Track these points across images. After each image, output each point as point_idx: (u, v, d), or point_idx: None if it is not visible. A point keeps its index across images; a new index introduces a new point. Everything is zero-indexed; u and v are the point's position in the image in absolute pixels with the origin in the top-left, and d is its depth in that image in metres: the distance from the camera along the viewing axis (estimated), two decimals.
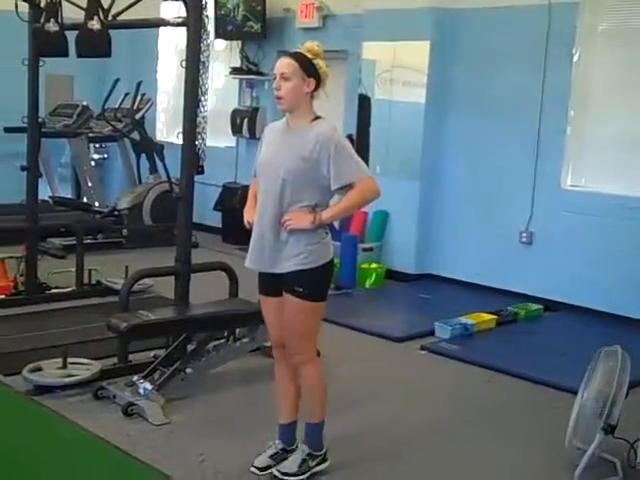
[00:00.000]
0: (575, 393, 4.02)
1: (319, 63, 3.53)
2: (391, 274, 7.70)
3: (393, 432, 4.30)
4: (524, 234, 7.21)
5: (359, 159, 3.55)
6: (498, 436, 4.37)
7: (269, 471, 3.72)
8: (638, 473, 3.69)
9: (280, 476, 3.65)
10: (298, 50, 3.56)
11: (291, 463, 3.68)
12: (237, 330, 5.02)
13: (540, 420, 4.59)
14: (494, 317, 6.41)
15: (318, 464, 3.71)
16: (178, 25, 5.12)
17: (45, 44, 5.65)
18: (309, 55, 3.52)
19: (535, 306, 6.84)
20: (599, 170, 6.91)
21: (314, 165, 3.46)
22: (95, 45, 5.34)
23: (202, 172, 5.86)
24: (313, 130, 3.51)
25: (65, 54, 5.65)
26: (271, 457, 3.77)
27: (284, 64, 3.51)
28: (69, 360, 4.62)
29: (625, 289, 6.35)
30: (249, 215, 3.74)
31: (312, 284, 3.53)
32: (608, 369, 3.81)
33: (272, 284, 3.62)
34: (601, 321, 6.47)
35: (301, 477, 3.65)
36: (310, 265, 3.50)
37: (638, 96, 6.65)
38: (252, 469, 3.72)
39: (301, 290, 3.51)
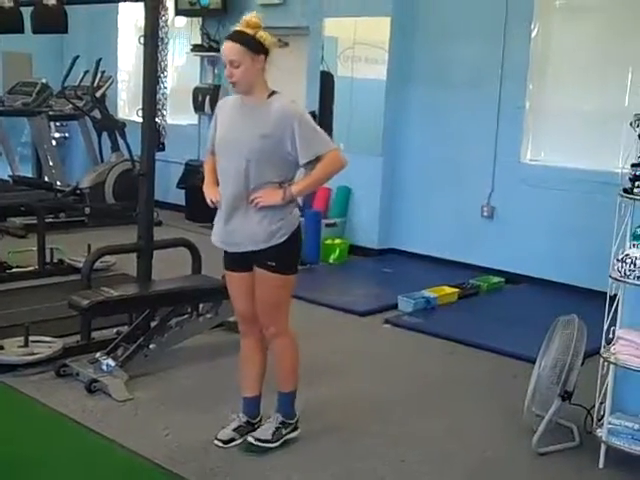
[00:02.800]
0: (535, 362, 4.10)
1: (262, 35, 3.44)
2: (354, 249, 7.74)
3: (358, 405, 4.35)
4: (485, 208, 7.29)
5: (322, 131, 3.53)
6: (459, 405, 4.44)
7: (233, 444, 3.76)
8: (594, 438, 3.77)
9: (255, 442, 3.70)
10: (238, 29, 3.44)
11: (265, 430, 3.74)
12: (200, 306, 5.03)
13: (500, 389, 4.67)
14: (456, 290, 6.49)
15: (290, 432, 3.79)
16: (136, 0, 5.07)
17: None
18: (249, 31, 3.42)
19: (496, 279, 6.93)
20: (558, 144, 7.00)
21: (277, 142, 3.44)
22: (51, 21, 5.29)
23: (163, 149, 5.85)
24: (272, 106, 3.47)
25: (20, 30, 5.58)
26: (235, 430, 3.80)
27: (230, 51, 3.42)
28: (31, 338, 4.60)
29: (583, 261, 6.45)
30: (212, 193, 3.65)
31: (284, 257, 3.55)
32: (565, 337, 3.88)
33: (240, 260, 3.61)
34: (561, 293, 6.58)
35: (274, 444, 3.72)
36: (281, 239, 3.51)
37: (596, 71, 6.75)
38: (216, 442, 3.75)
39: (274, 265, 3.52)
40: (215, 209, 3.67)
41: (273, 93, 3.53)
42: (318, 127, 3.54)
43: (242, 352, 3.85)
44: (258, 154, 3.44)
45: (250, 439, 3.73)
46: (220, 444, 3.75)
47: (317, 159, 3.49)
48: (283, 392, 3.77)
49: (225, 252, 3.69)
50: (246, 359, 3.83)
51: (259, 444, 3.71)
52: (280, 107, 3.47)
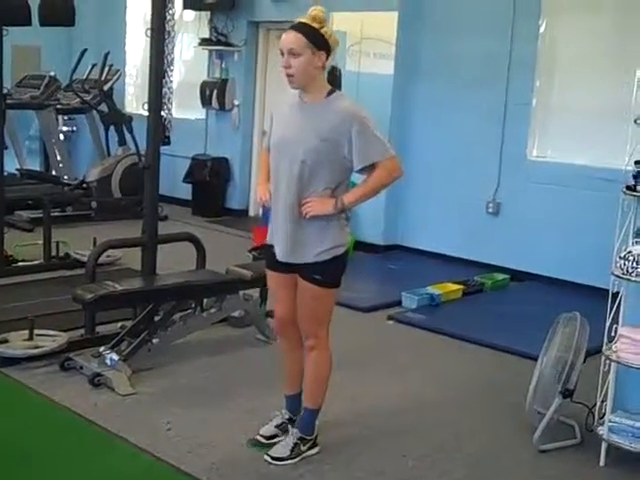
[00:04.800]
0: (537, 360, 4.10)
1: (327, 32, 3.29)
2: (360, 245, 7.73)
3: (359, 399, 4.36)
4: (491, 204, 7.28)
5: (383, 137, 3.36)
6: (461, 401, 4.46)
7: (275, 440, 3.69)
8: (595, 436, 3.77)
9: (271, 461, 3.57)
10: (303, 21, 3.28)
11: (282, 448, 3.60)
12: (204, 300, 5.04)
13: (503, 386, 4.67)
14: (461, 287, 6.48)
15: (309, 449, 3.65)
16: None
17: (7, 12, 5.57)
18: (315, 25, 3.26)
19: (501, 276, 6.92)
20: (565, 141, 6.98)
21: (334, 145, 3.28)
22: (58, 13, 5.30)
23: (168, 143, 5.86)
24: (331, 106, 3.32)
25: (28, 22, 5.60)
26: (277, 427, 3.75)
27: (291, 39, 3.25)
28: (36, 332, 4.62)
29: (589, 259, 6.41)
30: (262, 191, 3.51)
31: (331, 272, 3.41)
32: (567, 335, 3.88)
33: (286, 264, 3.46)
34: (566, 290, 6.56)
35: (292, 461, 3.58)
36: (331, 255, 3.37)
37: (603, 68, 6.71)
38: (258, 437, 3.71)
39: (320, 278, 3.39)
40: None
41: (332, 91, 3.38)
42: (378, 132, 3.35)
43: (280, 351, 3.77)
44: (314, 156, 3.28)
45: (267, 458, 3.59)
46: (262, 440, 3.70)
47: (373, 166, 3.33)
48: (308, 408, 3.63)
49: (268, 250, 3.55)
50: (285, 359, 3.74)
51: (276, 462, 3.56)
52: (340, 109, 3.31)
